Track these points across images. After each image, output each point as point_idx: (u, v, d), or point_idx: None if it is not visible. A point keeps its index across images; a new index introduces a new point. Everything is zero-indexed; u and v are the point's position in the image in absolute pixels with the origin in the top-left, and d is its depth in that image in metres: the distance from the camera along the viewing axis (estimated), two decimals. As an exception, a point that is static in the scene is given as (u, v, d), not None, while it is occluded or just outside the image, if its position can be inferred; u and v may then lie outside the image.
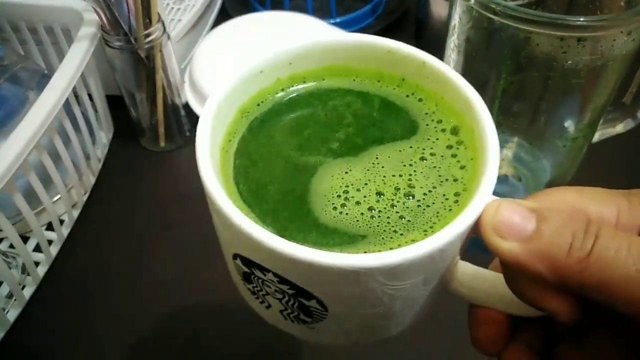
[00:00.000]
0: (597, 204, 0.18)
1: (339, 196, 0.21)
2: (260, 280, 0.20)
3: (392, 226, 0.20)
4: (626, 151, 0.50)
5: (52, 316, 0.42)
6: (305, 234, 0.20)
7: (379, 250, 0.19)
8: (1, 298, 0.41)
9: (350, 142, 0.23)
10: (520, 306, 0.19)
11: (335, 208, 0.20)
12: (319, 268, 0.17)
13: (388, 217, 0.20)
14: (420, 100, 0.24)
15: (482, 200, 0.18)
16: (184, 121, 0.54)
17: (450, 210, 0.20)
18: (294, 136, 0.23)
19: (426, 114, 0.23)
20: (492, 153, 0.20)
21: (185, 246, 0.46)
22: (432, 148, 0.22)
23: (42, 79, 0.45)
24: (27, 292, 0.42)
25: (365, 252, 0.19)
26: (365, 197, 0.21)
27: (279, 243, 0.17)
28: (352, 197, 0.21)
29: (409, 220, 0.20)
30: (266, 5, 0.65)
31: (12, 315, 0.41)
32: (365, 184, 0.21)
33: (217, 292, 0.43)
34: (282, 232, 0.20)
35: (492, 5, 0.30)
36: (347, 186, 0.21)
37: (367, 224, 0.20)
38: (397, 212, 0.20)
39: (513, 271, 0.18)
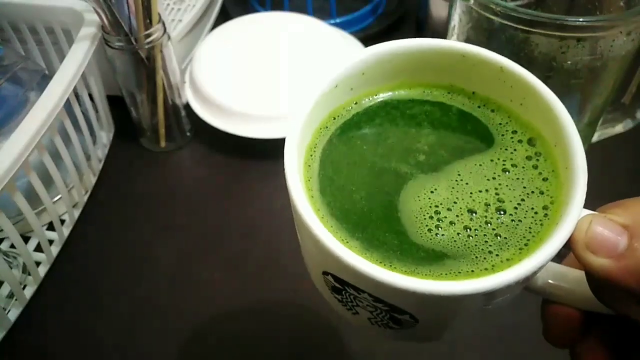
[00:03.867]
0: None
1: (431, 217, 0.20)
2: (352, 296, 0.20)
3: (489, 245, 0.19)
4: (625, 151, 0.50)
5: (53, 316, 0.42)
6: (397, 256, 0.20)
7: (472, 271, 0.19)
8: (2, 298, 0.41)
9: (433, 154, 0.22)
10: (599, 306, 0.20)
11: (430, 230, 0.20)
12: (420, 295, 0.17)
13: (485, 235, 0.20)
14: (492, 111, 0.23)
15: (574, 217, 0.18)
16: (184, 121, 0.54)
17: (541, 224, 0.20)
18: (377, 145, 0.23)
19: (500, 124, 0.23)
20: (581, 166, 0.19)
21: (185, 246, 0.46)
22: (511, 159, 0.22)
23: (43, 79, 0.45)
24: (28, 292, 0.42)
25: (460, 273, 0.19)
26: (457, 216, 0.20)
27: (381, 273, 0.17)
28: (445, 217, 0.20)
29: (505, 238, 0.20)
30: (266, 5, 0.65)
31: (13, 315, 0.41)
32: (455, 202, 0.21)
33: (217, 293, 0.43)
34: (373, 249, 0.20)
35: (491, 6, 0.30)
36: (436, 206, 0.21)
37: (464, 244, 0.20)
38: (493, 230, 0.20)
39: (601, 283, 0.18)
